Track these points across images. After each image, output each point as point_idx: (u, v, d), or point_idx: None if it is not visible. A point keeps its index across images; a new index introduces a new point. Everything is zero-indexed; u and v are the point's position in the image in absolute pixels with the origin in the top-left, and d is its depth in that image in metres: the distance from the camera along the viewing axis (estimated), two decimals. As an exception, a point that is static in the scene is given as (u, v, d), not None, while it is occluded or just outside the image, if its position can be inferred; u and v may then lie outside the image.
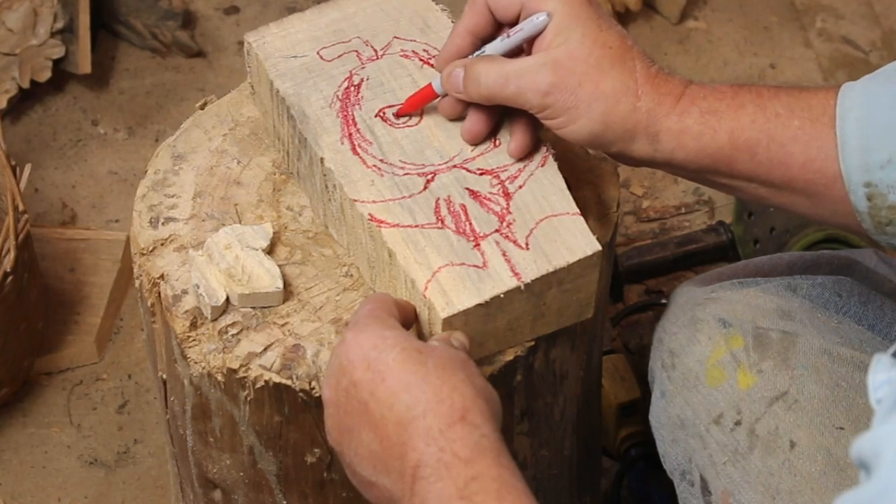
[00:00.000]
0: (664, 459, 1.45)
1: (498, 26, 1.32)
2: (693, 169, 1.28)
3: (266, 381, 1.29)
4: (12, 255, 1.80)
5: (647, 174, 2.19)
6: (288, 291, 1.34)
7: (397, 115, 1.36)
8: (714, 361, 1.40)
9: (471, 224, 1.28)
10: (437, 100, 1.35)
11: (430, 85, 1.35)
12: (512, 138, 1.33)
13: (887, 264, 1.51)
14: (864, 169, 1.22)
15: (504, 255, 1.26)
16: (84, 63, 2.21)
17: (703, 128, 1.25)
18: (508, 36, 1.30)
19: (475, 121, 1.33)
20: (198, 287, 1.32)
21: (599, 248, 1.27)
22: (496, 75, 1.28)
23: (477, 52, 1.32)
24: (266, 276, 1.32)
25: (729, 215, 2.13)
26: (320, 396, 1.23)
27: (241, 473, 1.39)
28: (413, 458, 1.10)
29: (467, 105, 1.33)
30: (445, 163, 1.33)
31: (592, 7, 1.28)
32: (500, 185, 1.31)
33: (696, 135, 1.26)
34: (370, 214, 1.29)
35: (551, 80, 1.25)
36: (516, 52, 1.31)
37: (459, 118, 1.35)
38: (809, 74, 2.31)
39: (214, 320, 1.32)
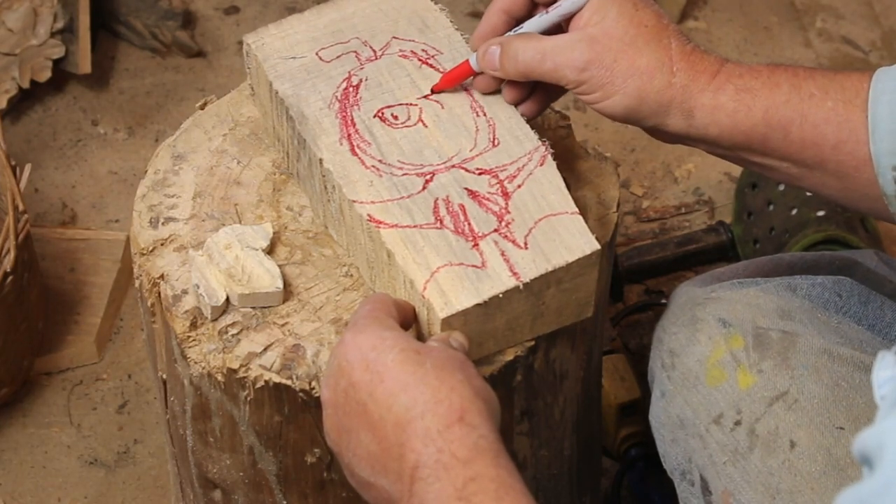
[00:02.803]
0: (664, 459, 1.45)
1: (532, 5, 1.35)
2: (726, 146, 1.30)
3: (266, 381, 1.29)
4: (12, 255, 1.80)
5: (646, 174, 2.19)
6: (288, 291, 1.34)
7: (433, 91, 1.37)
8: (714, 361, 1.40)
9: (469, 224, 1.28)
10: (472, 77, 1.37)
11: (466, 61, 1.36)
12: (527, 101, 1.36)
13: (887, 265, 1.51)
14: (894, 153, 1.23)
15: (503, 254, 1.26)
16: (84, 63, 2.21)
17: (737, 105, 1.27)
18: (547, 13, 1.32)
19: (512, 87, 1.36)
20: (198, 287, 1.32)
21: (598, 247, 1.27)
22: (533, 51, 1.30)
23: (515, 29, 1.34)
24: (266, 276, 1.32)
25: (729, 215, 2.13)
26: (320, 396, 1.23)
27: (241, 473, 1.39)
28: (411, 458, 1.10)
29: (502, 81, 1.35)
30: (444, 163, 1.33)
31: None
32: (498, 185, 1.31)
33: (731, 112, 1.27)
34: (369, 215, 1.29)
35: (588, 56, 1.28)
36: (552, 30, 1.33)
37: (498, 93, 1.37)
38: (809, 74, 2.31)
39: (214, 320, 1.32)
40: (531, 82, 1.35)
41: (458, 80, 1.37)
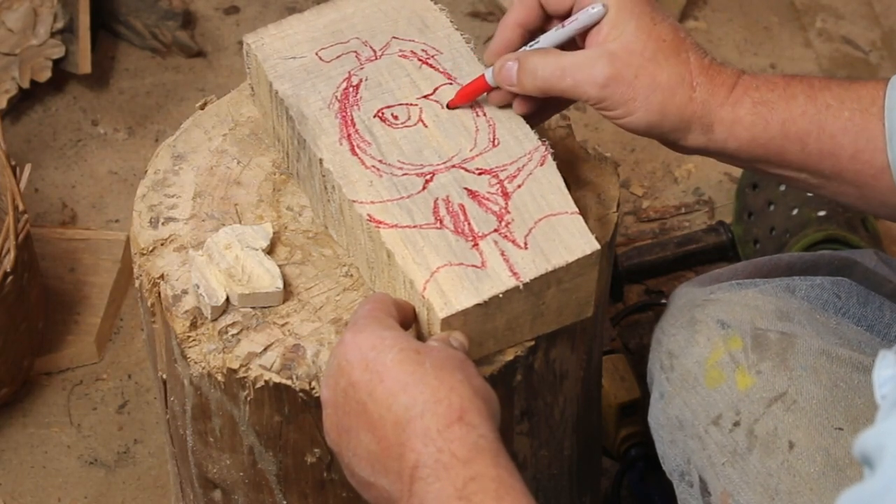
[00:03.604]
0: (663, 460, 1.45)
1: (547, 19, 1.34)
2: (745, 158, 1.30)
3: (266, 381, 1.29)
4: (12, 255, 1.80)
5: (646, 174, 2.19)
6: (288, 291, 1.34)
7: (449, 107, 1.36)
8: (713, 362, 1.40)
9: (469, 224, 1.28)
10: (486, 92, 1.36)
11: (482, 76, 1.35)
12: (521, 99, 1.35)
13: (887, 265, 1.51)
14: None
15: (503, 254, 1.26)
16: (84, 63, 2.21)
17: (755, 118, 1.27)
18: (563, 27, 1.31)
19: (524, 102, 1.35)
20: (198, 287, 1.32)
21: (598, 247, 1.27)
22: (553, 68, 1.29)
23: (531, 44, 1.33)
24: (266, 276, 1.32)
25: (729, 215, 2.13)
26: (320, 396, 1.23)
27: (241, 473, 1.39)
28: (411, 458, 1.10)
29: (517, 95, 1.34)
30: (444, 163, 1.33)
31: (646, 0, 1.29)
32: (498, 185, 1.31)
33: (749, 125, 1.27)
34: (369, 215, 1.29)
35: (609, 72, 1.27)
36: (567, 45, 1.32)
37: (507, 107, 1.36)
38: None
39: (214, 320, 1.32)
40: (543, 98, 1.35)
41: (474, 96, 1.36)
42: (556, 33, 1.32)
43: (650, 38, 1.28)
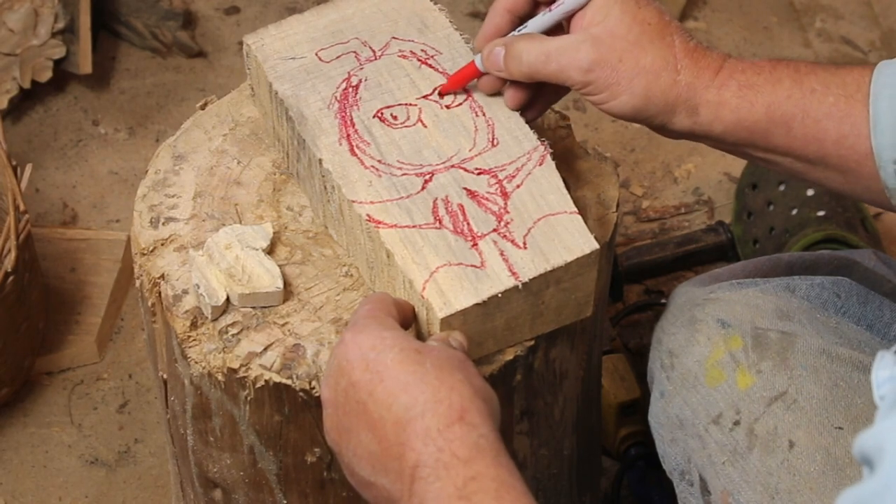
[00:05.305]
0: (663, 460, 1.45)
1: (535, 4, 1.34)
2: (730, 142, 1.30)
3: (266, 381, 1.29)
4: (13, 255, 1.80)
5: (646, 174, 2.19)
6: (288, 291, 1.34)
7: (440, 94, 1.37)
8: (713, 362, 1.40)
9: (468, 224, 1.29)
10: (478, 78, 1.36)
11: (472, 62, 1.35)
12: (513, 90, 1.35)
13: (886, 265, 1.51)
14: (895, 147, 1.23)
15: (502, 254, 1.26)
16: (85, 63, 2.21)
17: (740, 101, 1.27)
18: (550, 10, 1.32)
19: (516, 89, 1.35)
20: (198, 287, 1.32)
21: (597, 246, 1.28)
22: (538, 53, 1.29)
23: (519, 29, 1.33)
24: (266, 276, 1.33)
25: (729, 215, 2.13)
26: (320, 396, 1.24)
27: (242, 473, 1.39)
28: (411, 458, 1.10)
29: (507, 82, 1.34)
30: (443, 163, 1.33)
31: None
32: (497, 185, 1.31)
33: (734, 108, 1.27)
34: (368, 215, 1.29)
35: (593, 56, 1.27)
36: (555, 28, 1.33)
37: (499, 94, 1.36)
38: (809, 74, 2.31)
39: (214, 320, 1.32)
40: (534, 87, 1.35)
41: (464, 82, 1.37)
42: (543, 18, 1.32)
43: (634, 22, 1.28)
